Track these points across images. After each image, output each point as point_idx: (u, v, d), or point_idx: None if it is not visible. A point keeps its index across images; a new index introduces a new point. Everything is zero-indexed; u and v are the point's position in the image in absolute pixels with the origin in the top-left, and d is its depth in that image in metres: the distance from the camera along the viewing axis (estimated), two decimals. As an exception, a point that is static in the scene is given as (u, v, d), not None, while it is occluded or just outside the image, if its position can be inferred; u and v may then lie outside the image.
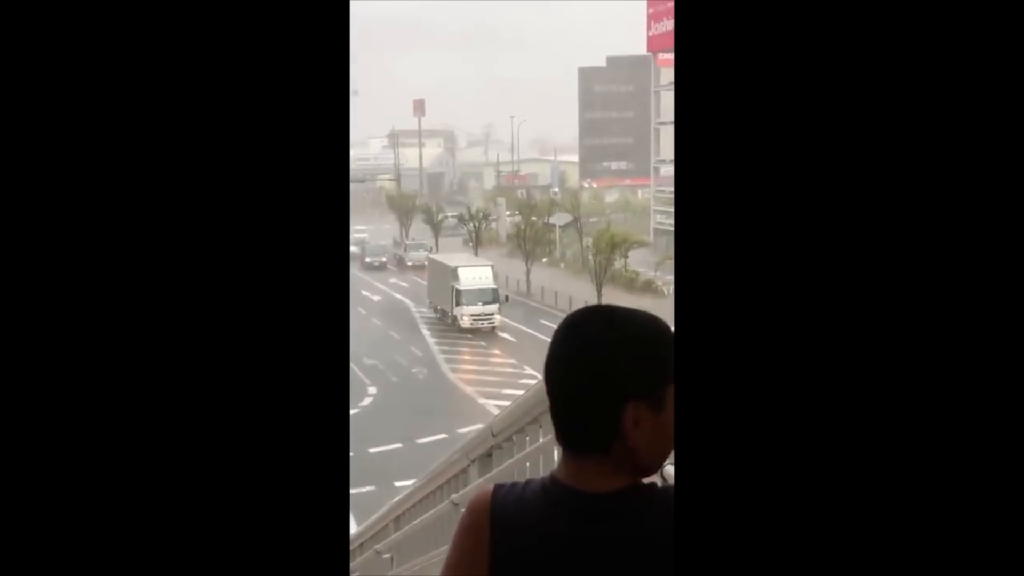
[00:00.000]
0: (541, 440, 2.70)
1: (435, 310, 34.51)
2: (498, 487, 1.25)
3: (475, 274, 31.71)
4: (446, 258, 34.98)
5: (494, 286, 31.64)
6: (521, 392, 3.01)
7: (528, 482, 1.25)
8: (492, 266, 32.75)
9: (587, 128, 67.16)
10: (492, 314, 31.04)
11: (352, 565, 6.07)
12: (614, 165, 64.10)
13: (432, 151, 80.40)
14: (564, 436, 1.20)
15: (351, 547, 6.08)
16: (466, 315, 31.01)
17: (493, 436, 3.13)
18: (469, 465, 3.47)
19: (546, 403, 1.29)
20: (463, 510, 1.26)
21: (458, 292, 31.17)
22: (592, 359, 1.15)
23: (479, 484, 3.28)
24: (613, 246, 32.45)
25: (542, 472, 2.70)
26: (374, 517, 5.51)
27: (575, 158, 69.13)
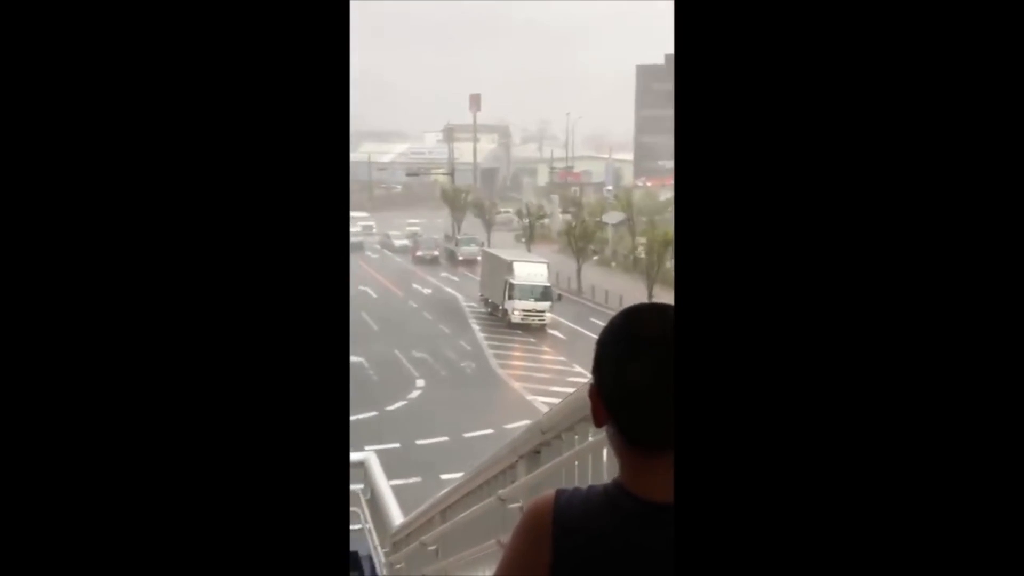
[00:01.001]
0: (591, 439, 2.68)
1: (486, 303, 34.61)
2: (560, 492, 1.23)
3: (530, 270, 31.73)
4: (501, 252, 35.05)
5: (547, 283, 31.62)
6: (569, 390, 3.00)
7: (591, 488, 1.24)
8: (547, 263, 32.72)
9: (643, 126, 66.68)
10: (543, 311, 31.02)
11: (397, 556, 6.13)
12: (669, 164, 63.53)
13: (486, 146, 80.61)
14: (629, 429, 1.19)
15: (396, 537, 6.14)
16: (517, 309, 31.05)
17: (542, 433, 3.12)
18: (517, 461, 3.47)
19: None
20: (523, 512, 1.25)
21: (511, 286, 31.23)
22: (662, 351, 1.14)
23: (527, 480, 3.27)
24: (666, 245, 32.16)
25: (591, 470, 2.68)
26: (420, 509, 5.54)
27: (630, 156, 68.71)
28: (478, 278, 37.07)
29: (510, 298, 31.28)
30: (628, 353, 1.18)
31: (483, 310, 34.54)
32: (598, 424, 1.24)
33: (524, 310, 30.93)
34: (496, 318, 32.75)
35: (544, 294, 31.17)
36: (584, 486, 1.26)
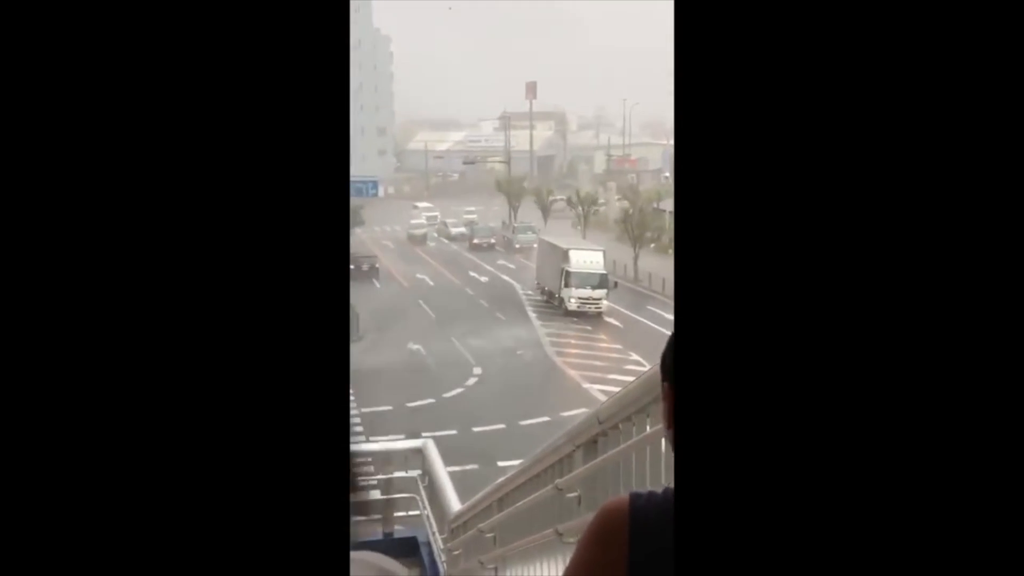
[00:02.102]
0: (648, 429, 2.66)
1: (542, 291, 34.62)
2: (635, 496, 1.22)
3: (586, 257, 31.65)
4: (558, 240, 34.99)
5: (604, 271, 31.48)
6: (626, 378, 2.98)
7: (666, 490, 1.21)
8: (604, 251, 32.57)
9: (701, 111, 65.69)
10: (600, 299, 30.92)
11: (455, 543, 6.19)
12: (728, 149, 62.54)
13: (543, 134, 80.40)
14: None
15: (454, 524, 6.20)
16: (574, 297, 31.00)
17: (599, 423, 3.10)
18: (574, 451, 3.46)
19: (654, 392, 1.26)
20: (596, 514, 1.23)
21: (568, 274, 31.18)
22: None
23: (584, 470, 3.26)
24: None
25: (649, 461, 2.66)
26: (478, 496, 5.58)
27: (688, 142, 67.75)
28: (534, 266, 37.07)
29: (566, 286, 31.24)
30: None
31: (539, 298, 34.55)
32: (669, 427, 1.22)
33: (580, 298, 30.86)
34: (552, 306, 32.74)
35: (600, 282, 31.05)
36: (658, 488, 1.24)
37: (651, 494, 1.22)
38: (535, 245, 40.21)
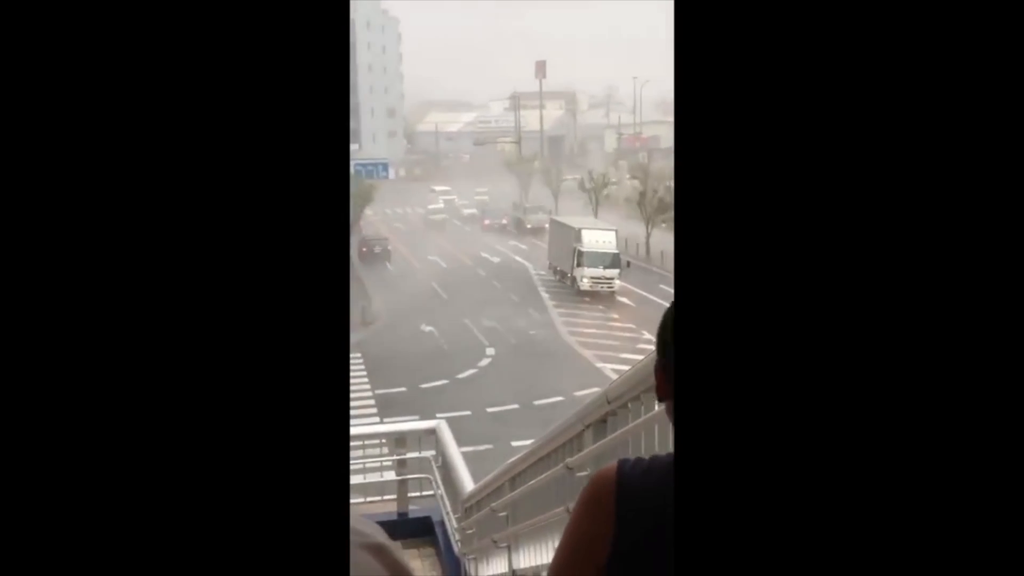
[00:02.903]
0: (657, 408, 2.68)
1: (554, 271, 34.61)
2: (623, 462, 1.25)
3: (598, 237, 31.60)
4: (570, 220, 34.90)
5: (616, 251, 31.44)
6: (638, 357, 2.99)
7: (654, 458, 1.25)
8: (616, 231, 32.48)
9: (713, 88, 65.20)
10: (612, 278, 30.90)
11: (468, 522, 6.24)
12: (740, 126, 62.09)
13: (553, 113, 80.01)
14: None
15: (468, 503, 6.25)
16: (586, 277, 31.00)
17: (608, 403, 3.12)
18: (584, 430, 3.49)
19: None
20: (586, 482, 1.27)
21: (580, 253, 31.16)
22: None
23: (593, 449, 3.29)
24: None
25: (657, 439, 2.68)
26: (491, 475, 5.63)
27: (699, 119, 67.31)
28: (546, 246, 37.03)
29: (578, 265, 31.23)
30: None
31: (551, 278, 34.55)
32: (661, 399, 1.25)
33: (593, 277, 30.86)
34: (564, 286, 32.74)
35: (613, 261, 31.03)
36: (647, 456, 1.27)
37: (637, 460, 1.25)
38: (546, 225, 40.16)
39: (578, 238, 31.47)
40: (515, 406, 20.49)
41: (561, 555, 1.27)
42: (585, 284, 31.04)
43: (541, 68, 73.37)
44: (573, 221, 34.13)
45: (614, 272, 30.91)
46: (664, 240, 36.72)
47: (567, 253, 32.31)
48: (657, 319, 1.21)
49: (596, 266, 30.93)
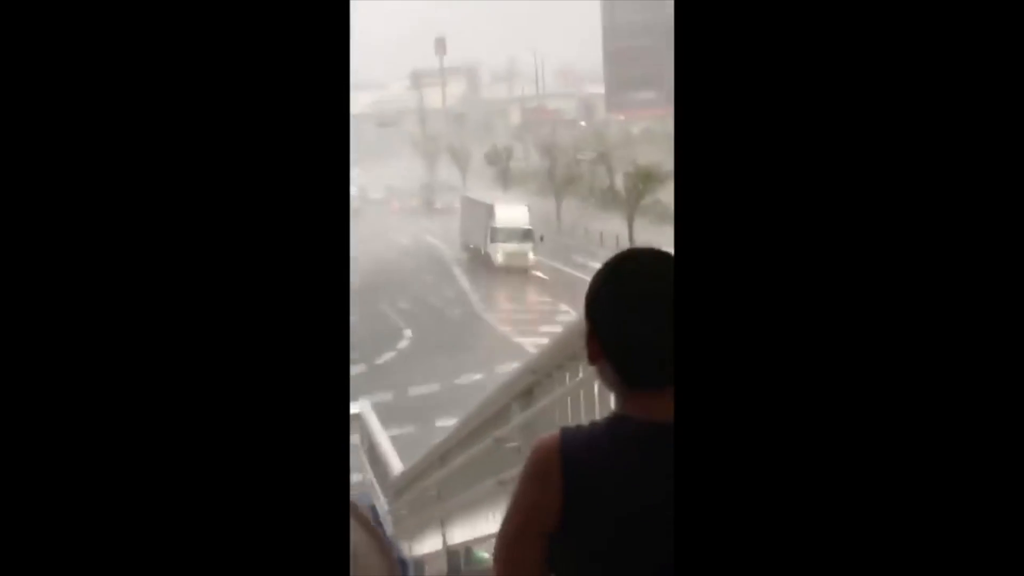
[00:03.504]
0: (581, 375, 2.74)
1: (466, 249, 34.54)
2: (565, 430, 1.25)
3: (512, 213, 31.66)
4: (481, 196, 34.82)
5: (529, 226, 31.56)
6: (557, 329, 3.05)
7: (593, 423, 1.26)
8: (528, 207, 32.59)
9: (612, 57, 65.94)
10: (527, 253, 31.04)
11: (399, 504, 6.25)
12: (640, 95, 63.02)
13: (456, 90, 79.47)
14: (630, 375, 1.21)
15: (398, 485, 6.25)
16: (500, 252, 31.05)
17: (533, 373, 3.17)
18: (511, 402, 3.53)
19: (584, 340, 1.31)
20: (529, 454, 1.27)
21: (494, 230, 31.17)
22: (661, 298, 1.16)
23: (521, 420, 3.34)
24: (647, 180, 32.04)
25: (583, 406, 2.74)
26: (418, 457, 5.64)
27: (601, 89, 68.07)
28: (457, 225, 36.93)
29: (492, 241, 31.25)
30: (626, 301, 1.20)
31: (464, 256, 34.49)
32: (592, 363, 1.27)
33: (507, 252, 30.93)
34: (477, 263, 32.75)
35: (526, 235, 31.16)
36: (584, 423, 1.28)
37: (578, 428, 1.26)
38: (456, 204, 40.00)
39: (491, 214, 31.48)
40: (436, 387, 20.47)
41: (509, 526, 1.27)
42: (500, 260, 31.09)
43: (441, 45, 72.73)
44: (486, 197, 34.09)
45: (528, 247, 31.06)
46: (573, 212, 37.06)
47: (480, 229, 32.29)
48: (572, 290, 1.24)
49: (510, 241, 31.02)
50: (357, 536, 0.79)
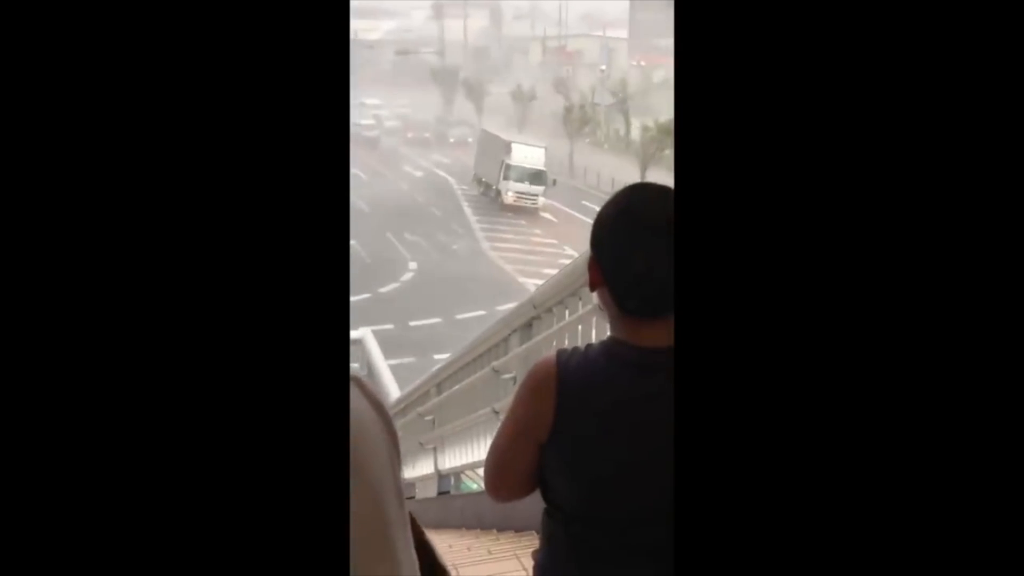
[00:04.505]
0: (581, 311, 2.81)
1: (479, 183, 34.25)
2: (561, 351, 1.33)
3: (527, 153, 31.33)
4: (501, 132, 34.36)
5: (544, 168, 31.24)
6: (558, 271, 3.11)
7: (588, 346, 1.33)
8: (545, 148, 32.21)
9: (638, 2, 64.52)
10: (537, 195, 30.84)
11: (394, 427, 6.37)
12: (664, 42, 61.82)
13: (477, 23, 78.01)
14: (626, 302, 1.28)
15: (393, 410, 6.38)
16: (511, 191, 30.83)
17: (534, 307, 3.24)
18: (510, 335, 3.61)
19: (585, 277, 1.37)
20: (511, 384, 1.35)
21: (507, 167, 30.87)
22: (662, 231, 1.23)
23: (520, 352, 3.42)
24: (662, 130, 31.59)
25: (581, 341, 2.82)
26: (416, 383, 5.74)
27: (625, 34, 66.77)
28: (470, 161, 36.60)
29: (505, 179, 31.01)
30: (627, 231, 1.26)
31: (475, 192, 34.27)
32: (592, 289, 1.34)
33: (518, 192, 30.73)
34: (488, 199, 32.55)
35: (539, 178, 30.91)
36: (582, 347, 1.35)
37: (575, 349, 1.34)
38: (469, 140, 39.57)
39: (507, 151, 31.17)
40: (438, 320, 20.61)
41: (503, 434, 1.36)
42: (510, 198, 30.92)
43: (465, -25, 71.09)
44: (504, 134, 33.68)
45: (539, 189, 30.84)
46: (587, 156, 36.70)
47: (494, 165, 32.00)
48: (578, 234, 1.30)
49: (523, 180, 30.79)
50: (360, 404, 0.81)
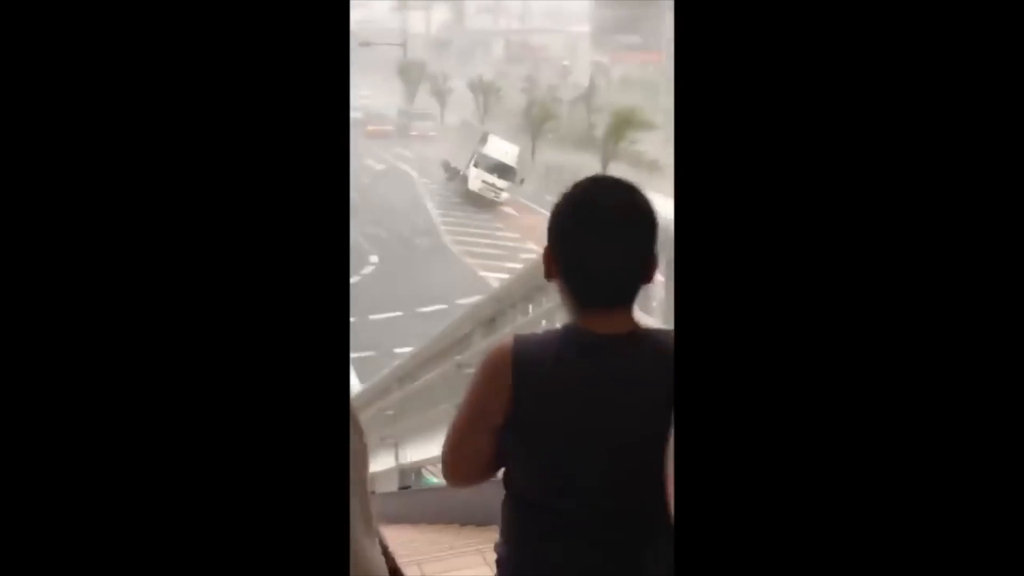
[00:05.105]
0: (545, 305, 2.81)
1: (447, 168, 34.26)
2: (518, 336, 1.34)
3: (502, 146, 31.63)
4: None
5: (515, 166, 31.38)
6: (522, 266, 3.11)
7: (547, 331, 1.35)
8: (520, 150, 32.40)
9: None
10: (503, 190, 30.90)
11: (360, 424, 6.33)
12: (626, 39, 62.11)
13: (440, 16, 77.64)
14: (582, 292, 1.29)
15: (353, 406, 6.33)
16: (478, 179, 30.87)
17: (498, 302, 3.24)
18: (473, 329, 3.60)
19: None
20: (482, 359, 1.36)
21: (480, 155, 31.00)
22: (616, 223, 1.24)
23: (483, 347, 3.41)
24: (626, 125, 31.88)
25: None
26: (377, 378, 5.71)
27: (588, 28, 66.98)
28: (432, 155, 36.46)
29: (475, 165, 31.06)
30: (583, 223, 1.27)
31: (435, 186, 34.15)
32: (547, 278, 1.35)
33: (484, 181, 30.77)
34: (450, 190, 32.50)
35: (508, 173, 31.00)
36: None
37: (532, 334, 1.35)
38: (431, 134, 39.38)
39: (483, 139, 31.29)
40: (399, 313, 20.50)
41: (460, 419, 1.36)
42: (475, 185, 30.92)
43: (428, -32, 70.62)
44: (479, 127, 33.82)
45: (505, 184, 30.91)
46: (549, 153, 36.71)
47: (467, 152, 32.09)
48: (542, 228, 1.31)
49: (492, 172, 30.84)
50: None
